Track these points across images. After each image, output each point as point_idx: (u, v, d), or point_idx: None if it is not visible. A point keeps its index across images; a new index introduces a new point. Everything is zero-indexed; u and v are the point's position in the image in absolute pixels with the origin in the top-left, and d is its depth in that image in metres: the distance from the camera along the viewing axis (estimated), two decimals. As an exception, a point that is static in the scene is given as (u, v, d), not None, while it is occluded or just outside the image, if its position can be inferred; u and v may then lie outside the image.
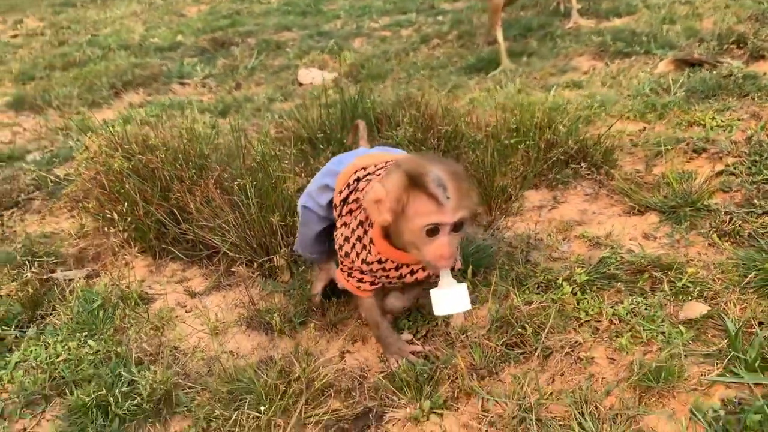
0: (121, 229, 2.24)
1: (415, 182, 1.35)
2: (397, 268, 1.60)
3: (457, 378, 1.58)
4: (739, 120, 2.70)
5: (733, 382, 1.46)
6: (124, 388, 1.62)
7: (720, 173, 2.29)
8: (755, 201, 2.08)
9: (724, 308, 1.69)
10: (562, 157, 2.49)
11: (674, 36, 4.37)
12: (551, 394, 1.50)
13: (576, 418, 1.41)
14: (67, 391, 1.67)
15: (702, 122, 2.73)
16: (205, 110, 4.27)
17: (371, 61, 5.04)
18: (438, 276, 1.45)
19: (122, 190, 2.27)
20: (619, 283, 1.87)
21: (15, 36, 7.96)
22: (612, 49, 4.33)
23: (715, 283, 1.79)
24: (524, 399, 1.47)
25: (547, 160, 2.47)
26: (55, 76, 5.75)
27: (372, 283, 1.65)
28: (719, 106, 2.86)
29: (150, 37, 6.98)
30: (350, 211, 1.63)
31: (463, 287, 1.44)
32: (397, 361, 1.67)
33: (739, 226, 1.98)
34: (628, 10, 5.37)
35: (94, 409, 1.58)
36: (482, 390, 1.54)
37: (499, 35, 4.46)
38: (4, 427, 1.61)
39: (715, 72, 3.28)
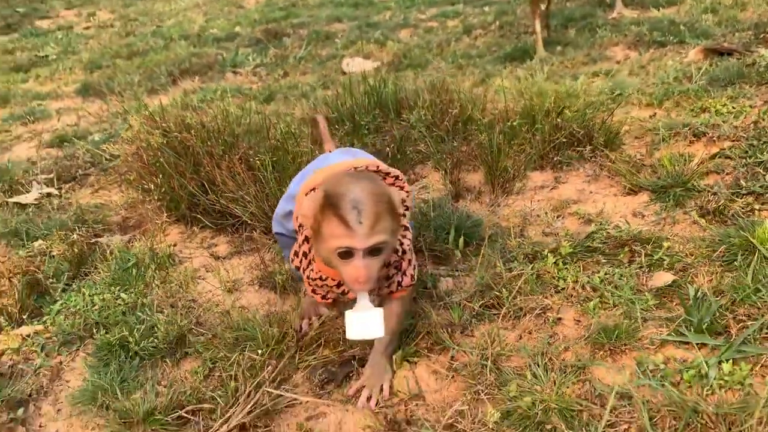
0: (156, 198, 2.50)
1: (330, 204, 1.35)
2: (338, 285, 1.61)
3: (432, 332, 1.75)
4: (750, 107, 2.75)
5: (680, 342, 1.58)
6: (144, 331, 1.86)
7: (715, 156, 2.37)
8: (742, 182, 2.16)
9: (691, 278, 1.80)
10: (566, 140, 2.60)
11: (712, 26, 4.37)
12: (513, 347, 1.66)
13: (531, 368, 1.56)
14: (96, 333, 1.93)
15: (713, 108, 2.78)
16: (253, 97, 4.53)
17: (413, 51, 5.20)
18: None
19: (159, 164, 2.52)
20: (600, 256, 1.99)
21: (87, 28, 8.46)
22: (647, 39, 4.36)
23: (688, 256, 1.89)
24: (486, 350, 1.63)
25: (552, 143, 2.59)
26: (120, 65, 6.14)
27: (323, 297, 1.68)
28: (733, 93, 2.91)
29: (209, 27, 7.33)
30: (300, 226, 1.62)
31: (377, 312, 1.43)
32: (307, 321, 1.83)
33: (723, 205, 2.07)
34: (672, 1, 5.35)
35: (117, 348, 1.83)
36: (453, 342, 1.71)
37: (537, 25, 4.55)
38: (44, 361, 1.87)
39: (740, 61, 3.31)
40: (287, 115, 3.19)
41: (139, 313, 1.96)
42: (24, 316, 2.07)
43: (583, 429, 1.38)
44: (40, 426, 1.67)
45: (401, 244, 1.58)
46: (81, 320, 2.00)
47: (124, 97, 5.06)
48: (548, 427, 1.39)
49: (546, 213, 2.31)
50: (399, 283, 1.60)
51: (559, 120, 2.60)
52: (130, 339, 1.82)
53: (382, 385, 1.63)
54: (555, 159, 2.61)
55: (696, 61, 3.63)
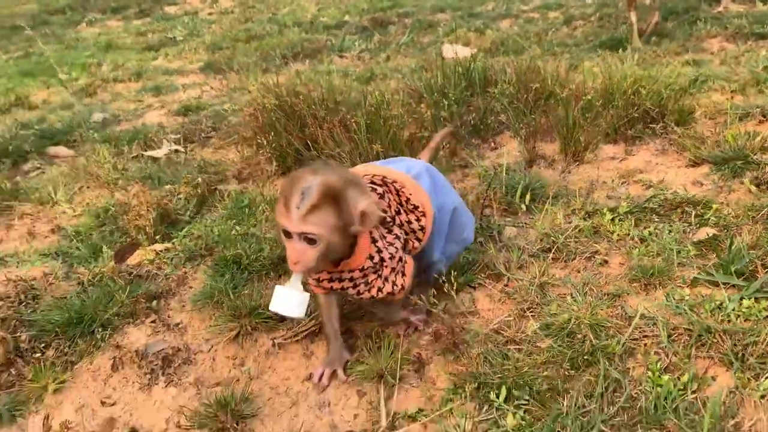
0: (268, 153, 2.90)
1: (288, 184, 1.48)
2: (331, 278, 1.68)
3: (490, 265, 2.03)
4: (830, 94, 2.83)
5: (709, 282, 1.78)
6: (253, 252, 2.24)
7: (776, 136, 2.50)
8: (801, 157, 2.29)
9: (732, 234, 1.98)
10: (640, 117, 2.78)
11: (816, 19, 4.33)
12: (560, 279, 1.91)
13: (572, 295, 1.81)
14: (215, 252, 2.33)
15: (792, 94, 2.88)
16: (355, 77, 4.91)
17: (510, 39, 5.41)
18: None
19: (271, 124, 2.92)
20: (653, 215, 2.20)
21: (211, 14, 9.18)
22: (746, 32, 4.38)
23: (734, 218, 2.07)
24: (535, 278, 1.90)
25: (626, 118, 2.78)
26: (239, 47, 6.69)
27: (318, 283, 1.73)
28: (816, 80, 2.98)
29: (320, 16, 7.80)
30: None
31: (304, 296, 1.55)
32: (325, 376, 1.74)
33: (778, 177, 2.22)
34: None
35: (231, 263, 2.22)
36: (507, 272, 1.98)
37: (633, 17, 4.65)
38: (172, 270, 2.30)
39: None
40: (383, 86, 3.52)
41: (251, 239, 2.35)
42: (157, 238, 2.51)
43: (609, 339, 1.62)
44: (168, 316, 2.08)
45: (379, 251, 1.64)
46: (202, 242, 2.41)
47: (241, 75, 5.57)
48: (579, 336, 1.65)
49: (612, 180, 2.52)
50: (380, 290, 1.67)
51: (634, 98, 2.78)
52: (243, 257, 2.21)
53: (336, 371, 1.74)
54: (628, 133, 2.79)
55: (790, 52, 3.66)
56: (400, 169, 1.82)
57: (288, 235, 1.49)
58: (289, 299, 1.55)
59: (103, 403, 1.77)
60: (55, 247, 2.64)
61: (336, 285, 1.68)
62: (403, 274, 1.70)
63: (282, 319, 1.91)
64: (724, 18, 4.96)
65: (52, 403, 1.77)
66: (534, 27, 5.84)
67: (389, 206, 1.69)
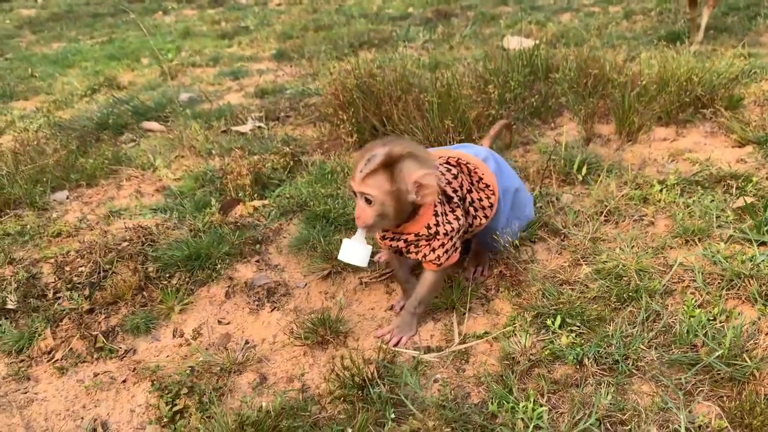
0: (348, 127, 3.23)
1: (361, 152, 1.73)
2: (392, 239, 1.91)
3: (549, 223, 2.32)
4: None
5: (744, 239, 2.04)
6: (339, 208, 2.58)
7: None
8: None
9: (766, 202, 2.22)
10: (692, 102, 3.01)
11: None
12: (611, 235, 2.19)
13: (619, 247, 2.09)
14: (305, 209, 2.68)
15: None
16: (421, 66, 5.21)
17: (571, 31, 5.63)
18: None
19: (351, 101, 3.26)
20: (698, 187, 2.45)
21: (279, 4, 9.61)
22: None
23: (772, 189, 2.31)
24: (588, 234, 2.18)
25: (678, 102, 3.02)
26: (308, 36, 7.07)
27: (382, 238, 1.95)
28: None
29: (386, 8, 8.13)
30: None
31: (367, 249, 1.77)
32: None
33: (815, 156, 2.44)
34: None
35: (321, 217, 2.56)
36: (564, 228, 2.27)
37: (693, 11, 4.82)
38: (269, 222, 2.66)
39: None
40: (452, 68, 3.83)
41: (335, 199, 2.69)
42: (255, 196, 2.87)
43: (651, 281, 1.90)
44: (268, 258, 2.44)
45: (437, 224, 1.83)
46: (294, 201, 2.76)
47: (312, 62, 5.94)
48: (625, 279, 1.93)
49: (662, 158, 2.77)
50: (425, 256, 1.86)
51: (686, 84, 3.02)
52: (330, 211, 2.55)
53: (402, 337, 1.93)
54: (679, 117, 3.03)
55: (844, 46, 3.81)
56: (469, 152, 2.03)
57: (354, 194, 1.75)
58: (354, 250, 1.77)
59: (219, 322, 2.13)
60: (162, 203, 3.03)
61: (393, 243, 1.90)
62: (449, 255, 1.87)
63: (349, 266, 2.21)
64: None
65: (178, 320, 2.15)
66: (595, 21, 6.04)
67: (461, 186, 1.92)
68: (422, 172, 1.69)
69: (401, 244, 1.89)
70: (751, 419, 1.41)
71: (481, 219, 1.96)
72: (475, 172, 1.95)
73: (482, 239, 2.09)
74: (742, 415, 1.43)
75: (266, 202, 2.82)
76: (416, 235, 1.84)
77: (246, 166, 2.97)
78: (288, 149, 3.27)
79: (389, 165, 1.66)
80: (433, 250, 1.85)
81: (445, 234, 1.84)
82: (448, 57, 5.45)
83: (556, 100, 3.33)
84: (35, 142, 3.75)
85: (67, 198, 3.26)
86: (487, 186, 1.94)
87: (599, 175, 2.63)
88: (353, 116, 3.25)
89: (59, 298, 2.30)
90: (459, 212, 1.88)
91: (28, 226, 2.91)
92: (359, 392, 1.64)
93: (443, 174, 1.91)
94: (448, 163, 1.97)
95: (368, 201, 1.70)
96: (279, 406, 1.61)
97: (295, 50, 6.41)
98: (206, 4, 10.19)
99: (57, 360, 2.02)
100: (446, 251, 1.86)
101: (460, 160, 1.97)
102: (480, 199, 1.95)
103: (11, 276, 2.47)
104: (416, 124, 3.06)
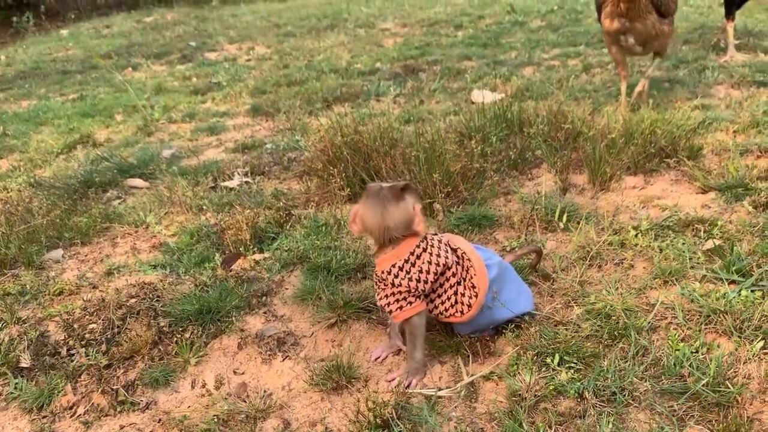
0: (339, 181, 3.41)
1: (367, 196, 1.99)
2: None
3: (537, 269, 2.51)
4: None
5: (714, 278, 2.26)
6: (339, 258, 2.73)
7: (773, 166, 2.99)
8: (790, 184, 2.78)
9: (734, 244, 2.45)
10: (656, 153, 3.28)
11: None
12: (596, 278, 2.39)
13: (605, 289, 2.29)
14: (306, 262, 2.82)
15: (786, 134, 3.38)
16: (395, 119, 5.44)
17: (535, 84, 5.96)
18: None
19: (341, 157, 3.44)
20: (670, 231, 2.68)
21: (249, 60, 9.85)
22: (749, 80, 4.90)
23: (736, 232, 2.55)
24: (576, 277, 2.38)
25: (644, 154, 3.28)
26: (281, 91, 7.27)
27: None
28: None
29: (354, 63, 8.42)
30: None
31: None
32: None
33: (773, 200, 2.71)
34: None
35: (322, 269, 2.71)
36: (553, 273, 2.46)
37: (623, 86, 4.97)
38: (271, 275, 2.78)
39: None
40: (434, 126, 4.07)
41: (334, 250, 2.84)
42: (254, 250, 3.01)
43: (637, 319, 2.09)
44: (274, 310, 2.56)
45: (390, 272, 1.98)
46: (293, 253, 2.91)
47: (289, 117, 6.13)
48: (613, 318, 2.12)
49: (634, 204, 3.01)
50: (380, 298, 2.05)
51: (650, 136, 3.29)
52: (332, 262, 2.70)
53: (412, 380, 2.04)
54: (646, 167, 3.29)
55: (786, 98, 4.17)
56: (479, 254, 2.12)
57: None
58: None
59: (234, 372, 2.24)
60: (161, 259, 3.13)
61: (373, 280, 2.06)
62: (400, 307, 1.99)
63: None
64: (730, 67, 5.48)
65: (195, 372, 2.25)
66: (556, 74, 6.39)
67: (454, 275, 2.04)
68: (419, 204, 1.98)
69: (376, 277, 2.04)
70: (738, 440, 1.59)
71: (456, 315, 2.08)
72: (469, 271, 2.06)
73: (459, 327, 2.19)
74: (730, 436, 1.61)
75: (266, 255, 2.95)
76: (379, 273, 2.01)
77: (245, 221, 3.10)
78: (280, 203, 3.42)
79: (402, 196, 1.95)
80: (386, 295, 2.01)
81: (392, 284, 1.99)
82: (420, 111, 5.71)
83: (532, 152, 3.58)
84: (23, 202, 3.82)
85: (63, 257, 3.34)
86: (474, 287, 2.04)
87: (578, 222, 2.84)
88: (343, 171, 3.43)
89: (73, 355, 2.38)
90: (423, 275, 1.98)
91: (28, 286, 2.98)
92: (383, 429, 1.77)
93: (446, 252, 2.06)
94: (450, 247, 2.10)
95: None
96: (309, 448, 1.73)
97: (269, 105, 6.60)
98: (176, 61, 10.38)
99: (80, 415, 2.10)
100: (396, 301, 2.00)
101: (463, 254, 2.08)
102: (463, 295, 2.05)
103: (20, 335, 2.54)
104: (404, 177, 3.25)
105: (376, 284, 2.06)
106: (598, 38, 7.85)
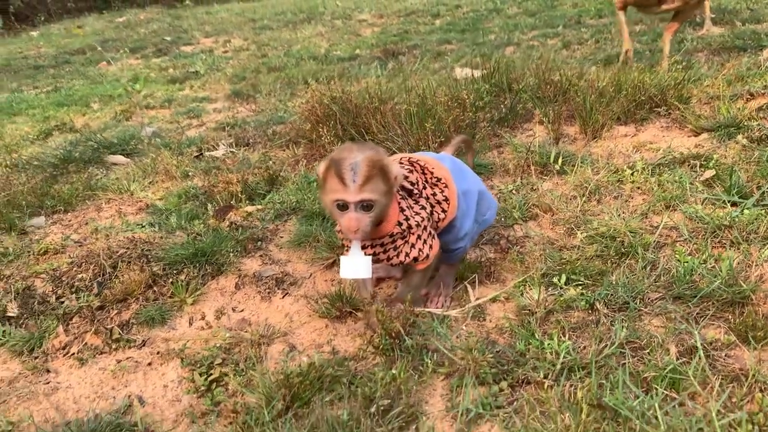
0: (329, 138, 3.35)
1: (335, 164, 1.65)
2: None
3: (538, 204, 2.48)
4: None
5: (716, 199, 2.25)
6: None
7: (763, 107, 3.00)
8: (783, 120, 2.79)
9: (732, 172, 2.45)
10: (646, 101, 3.29)
11: (789, 32, 4.91)
12: (598, 210, 2.37)
13: (608, 215, 2.27)
14: (298, 211, 2.77)
15: None
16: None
17: (516, 61, 5.97)
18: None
19: (329, 114, 3.39)
20: (665, 168, 2.67)
21: (226, 51, 9.76)
22: (728, 45, 4.95)
23: (733, 163, 2.55)
24: (578, 207, 2.35)
25: (635, 102, 3.28)
26: (261, 78, 7.21)
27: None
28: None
29: (333, 50, 8.38)
30: None
31: (367, 259, 1.73)
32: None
33: (765, 135, 2.70)
34: (757, 18, 5.89)
35: (318, 215, 2.66)
36: (554, 207, 2.44)
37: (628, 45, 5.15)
38: (264, 224, 2.73)
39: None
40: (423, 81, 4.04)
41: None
42: (246, 203, 2.94)
43: (643, 238, 2.07)
44: (270, 254, 2.50)
45: (407, 219, 1.83)
46: (286, 205, 2.85)
47: (270, 98, 6.07)
48: (618, 239, 2.10)
49: (627, 149, 3.00)
50: (407, 254, 1.84)
51: (639, 86, 3.29)
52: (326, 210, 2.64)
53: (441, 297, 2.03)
54: (637, 115, 3.29)
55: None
56: (425, 156, 2.03)
57: (344, 207, 1.67)
58: (356, 265, 1.73)
59: (234, 309, 2.18)
60: (149, 220, 3.05)
61: (370, 250, 1.86)
62: (430, 245, 1.86)
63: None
64: (710, 39, 5.54)
65: (192, 311, 2.18)
66: (536, 52, 6.41)
67: (417, 181, 1.90)
68: (397, 167, 1.77)
69: (378, 249, 1.87)
70: (755, 333, 1.57)
71: (439, 213, 1.93)
72: (426, 169, 1.95)
73: (446, 251, 2.04)
74: (746, 330, 1.59)
75: (259, 207, 2.89)
76: (391, 235, 1.84)
77: (235, 178, 3.04)
78: (271, 163, 3.36)
79: (378, 167, 1.67)
80: (413, 246, 1.84)
81: (417, 225, 1.84)
82: (404, 87, 5.68)
83: (523, 105, 3.56)
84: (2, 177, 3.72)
85: (45, 223, 3.24)
86: (439, 180, 1.93)
87: (574, 166, 2.82)
88: (332, 128, 3.38)
89: (63, 301, 2.30)
90: (422, 201, 1.89)
91: (11, 249, 2.88)
92: (394, 341, 1.72)
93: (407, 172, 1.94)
94: (401, 162, 1.97)
95: (367, 207, 1.68)
96: (318, 362, 1.68)
97: (250, 89, 6.53)
98: (151, 54, 10.24)
99: (74, 353, 2.02)
100: (425, 242, 1.85)
101: (411, 159, 1.99)
102: (434, 194, 1.93)
103: (5, 290, 2.45)
104: (395, 131, 3.21)
105: (385, 250, 1.88)
106: (575, 20, 7.91)
